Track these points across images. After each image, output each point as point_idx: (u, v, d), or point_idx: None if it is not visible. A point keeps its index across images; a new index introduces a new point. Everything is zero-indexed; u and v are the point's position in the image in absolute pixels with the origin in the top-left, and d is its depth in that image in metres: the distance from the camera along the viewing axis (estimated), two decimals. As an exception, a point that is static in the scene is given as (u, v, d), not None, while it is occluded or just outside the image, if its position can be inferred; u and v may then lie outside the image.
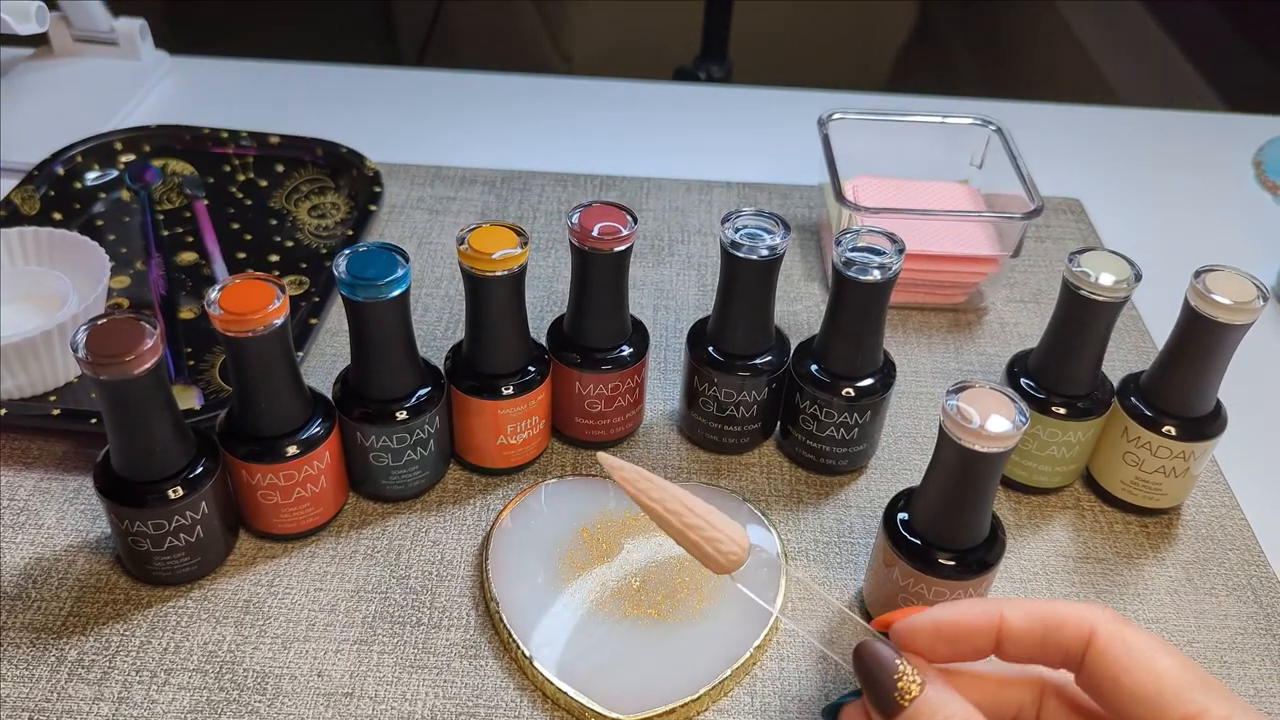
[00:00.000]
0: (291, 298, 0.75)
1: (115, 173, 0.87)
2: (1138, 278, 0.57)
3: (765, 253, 0.58)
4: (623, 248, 0.58)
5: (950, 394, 0.49)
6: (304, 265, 0.79)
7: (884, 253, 0.58)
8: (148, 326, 0.49)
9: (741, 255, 0.58)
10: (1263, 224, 0.92)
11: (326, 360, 0.71)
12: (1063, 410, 0.61)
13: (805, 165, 0.93)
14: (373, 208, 0.83)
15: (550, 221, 0.86)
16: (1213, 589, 0.60)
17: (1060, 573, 0.61)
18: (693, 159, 0.96)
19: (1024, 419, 0.48)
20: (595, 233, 0.57)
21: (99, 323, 0.49)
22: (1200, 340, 0.57)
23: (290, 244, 0.81)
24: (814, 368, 0.62)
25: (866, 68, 1.98)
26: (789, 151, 0.96)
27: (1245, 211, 0.94)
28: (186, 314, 0.73)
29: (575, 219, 0.58)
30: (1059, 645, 0.41)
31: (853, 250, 0.58)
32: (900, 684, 0.41)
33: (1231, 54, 1.56)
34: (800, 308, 0.79)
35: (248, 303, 0.51)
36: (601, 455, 0.48)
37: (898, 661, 0.42)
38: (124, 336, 0.48)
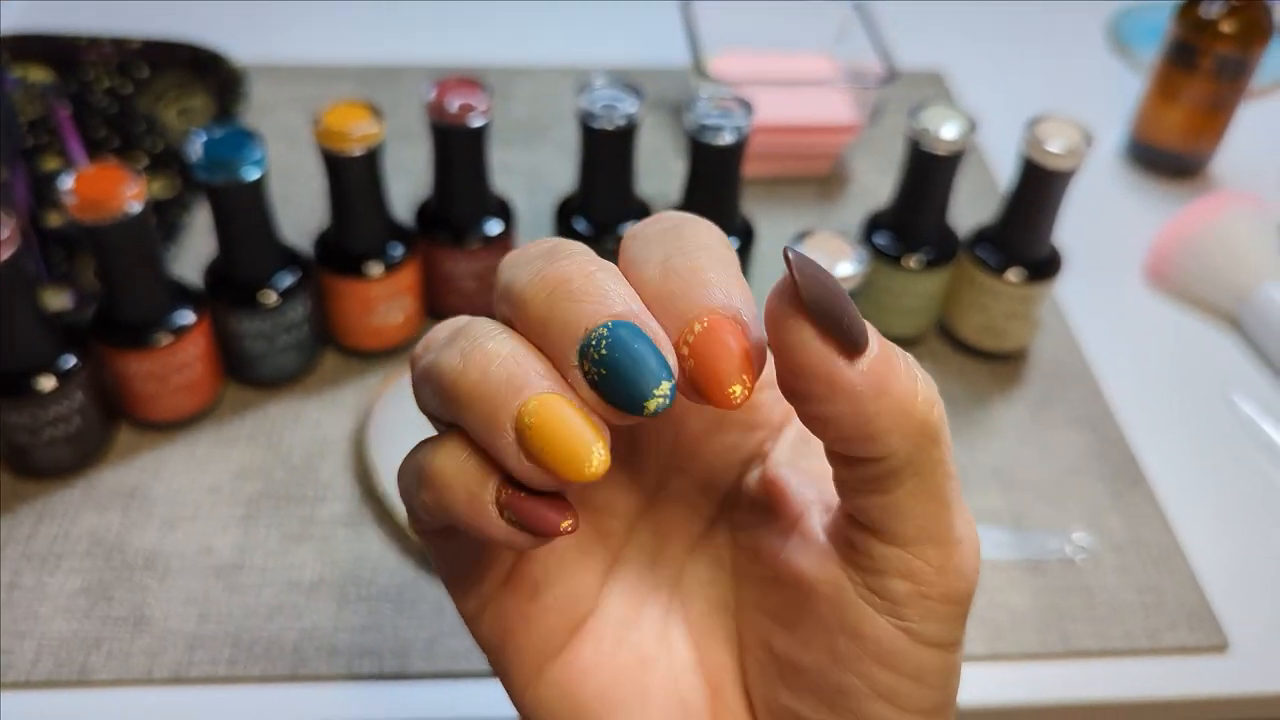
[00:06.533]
0: (162, 200, 0.75)
1: (-29, 83, 0.85)
2: (973, 128, 0.60)
3: (622, 121, 0.60)
4: (481, 121, 0.59)
5: (793, 242, 0.52)
6: (175, 167, 0.78)
7: (734, 115, 0.60)
8: (4, 216, 0.49)
9: (598, 126, 0.60)
10: (1118, 87, 0.96)
11: (202, 259, 0.71)
12: (913, 263, 0.64)
13: (677, 48, 0.94)
14: (240, 108, 0.82)
15: (422, 114, 0.86)
16: (1054, 422, 0.65)
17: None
18: (564, 48, 0.96)
19: (862, 263, 0.51)
20: (453, 108, 0.58)
21: (-49, 215, 0.49)
22: (1033, 186, 0.61)
23: (160, 148, 0.80)
24: (678, 235, 0.64)
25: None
26: (663, 35, 0.97)
27: (1101, 76, 0.98)
28: (55, 220, 0.73)
29: (431, 95, 0.59)
30: None
31: (705, 117, 0.60)
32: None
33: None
34: (670, 187, 0.81)
35: (103, 189, 0.51)
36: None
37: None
38: (-23, 226, 0.49)
